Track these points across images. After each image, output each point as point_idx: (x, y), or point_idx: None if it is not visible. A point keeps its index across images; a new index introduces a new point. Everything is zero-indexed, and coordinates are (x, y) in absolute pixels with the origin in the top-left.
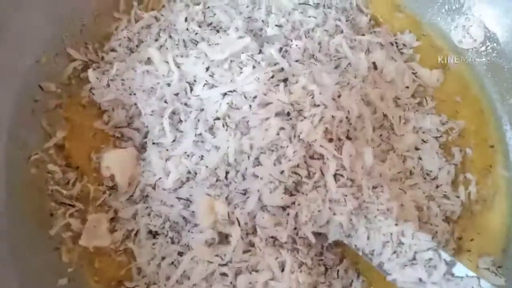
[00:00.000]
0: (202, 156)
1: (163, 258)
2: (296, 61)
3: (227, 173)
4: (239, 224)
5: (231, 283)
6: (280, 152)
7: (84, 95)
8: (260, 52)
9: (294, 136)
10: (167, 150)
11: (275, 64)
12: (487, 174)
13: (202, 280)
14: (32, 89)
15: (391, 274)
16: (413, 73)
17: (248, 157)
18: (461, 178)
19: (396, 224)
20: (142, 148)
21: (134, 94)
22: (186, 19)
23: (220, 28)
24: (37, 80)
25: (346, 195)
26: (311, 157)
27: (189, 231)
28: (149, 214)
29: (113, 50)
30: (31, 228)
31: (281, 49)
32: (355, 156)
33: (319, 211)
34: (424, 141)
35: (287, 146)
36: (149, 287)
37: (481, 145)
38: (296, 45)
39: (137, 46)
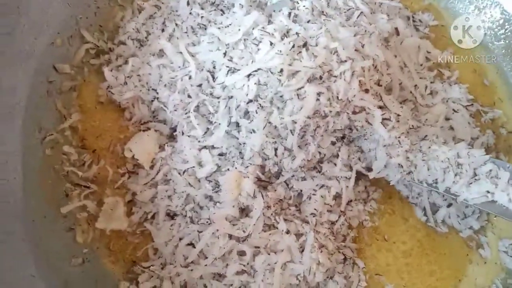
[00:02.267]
0: (244, 143)
1: (180, 239)
2: (308, 22)
3: (275, 150)
4: (262, 197)
5: (248, 263)
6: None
7: (101, 93)
8: (270, 22)
9: (332, 97)
10: (199, 141)
11: (288, 31)
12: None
13: (219, 259)
14: (47, 70)
15: (460, 195)
16: (427, 51)
17: (292, 132)
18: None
19: (450, 149)
20: (170, 137)
21: (154, 89)
22: (188, 3)
23: (224, 6)
24: (52, 61)
25: (399, 137)
26: (354, 113)
27: (209, 208)
28: (169, 196)
29: (122, 43)
30: (46, 208)
31: (289, 14)
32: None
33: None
34: (454, 111)
35: (330, 111)
36: (165, 267)
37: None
38: (304, 6)
39: (146, 38)
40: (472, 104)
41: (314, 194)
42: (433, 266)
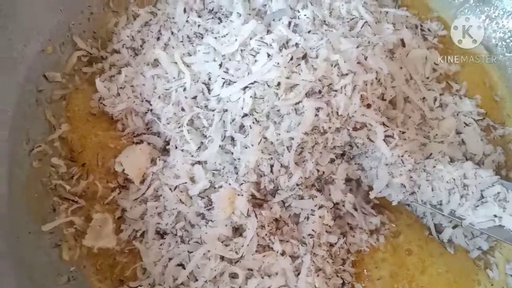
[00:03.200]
0: (239, 158)
1: (170, 259)
2: (308, 32)
3: (271, 166)
4: (256, 217)
5: (240, 287)
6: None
7: (93, 105)
8: (268, 32)
9: (332, 113)
10: (192, 156)
11: (287, 42)
12: None
13: (210, 282)
14: (37, 79)
15: (465, 218)
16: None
17: (288, 148)
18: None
19: (456, 169)
20: (163, 150)
21: (147, 101)
22: (185, 10)
23: (222, 14)
24: (42, 70)
25: (402, 156)
26: (355, 129)
27: (200, 227)
28: (159, 214)
29: (116, 51)
30: (32, 223)
31: (289, 23)
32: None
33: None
34: (466, 124)
35: (330, 128)
36: (153, 287)
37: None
38: (305, 15)
39: (141, 46)
40: (483, 119)
41: (312, 215)
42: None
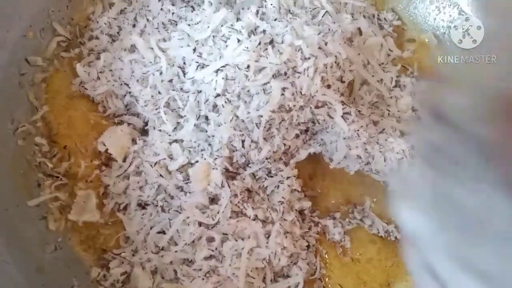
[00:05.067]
0: (213, 135)
1: (151, 227)
2: (275, 20)
3: (243, 142)
4: (229, 187)
5: (216, 249)
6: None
7: (74, 89)
8: (238, 19)
9: (296, 92)
10: (169, 135)
11: (255, 29)
12: None
13: (189, 245)
14: (19, 62)
15: None
16: (390, 49)
17: (257, 125)
18: None
19: (405, 142)
20: (143, 130)
21: (126, 84)
22: None
23: (194, 3)
24: (24, 54)
25: (358, 130)
26: (316, 107)
27: (179, 198)
28: (141, 187)
29: (94, 38)
30: (19, 197)
31: (257, 12)
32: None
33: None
34: None
35: (294, 106)
36: (136, 253)
37: None
38: (271, 4)
39: (117, 33)
40: None
41: (282, 183)
42: None
